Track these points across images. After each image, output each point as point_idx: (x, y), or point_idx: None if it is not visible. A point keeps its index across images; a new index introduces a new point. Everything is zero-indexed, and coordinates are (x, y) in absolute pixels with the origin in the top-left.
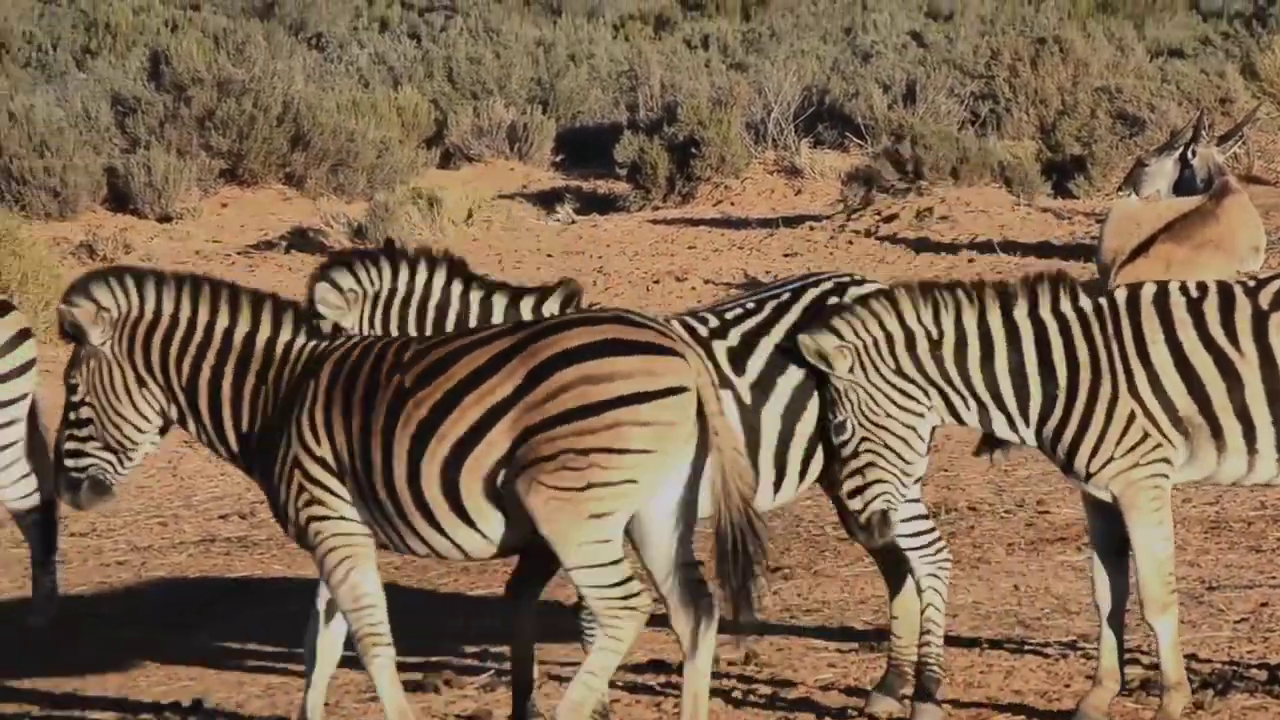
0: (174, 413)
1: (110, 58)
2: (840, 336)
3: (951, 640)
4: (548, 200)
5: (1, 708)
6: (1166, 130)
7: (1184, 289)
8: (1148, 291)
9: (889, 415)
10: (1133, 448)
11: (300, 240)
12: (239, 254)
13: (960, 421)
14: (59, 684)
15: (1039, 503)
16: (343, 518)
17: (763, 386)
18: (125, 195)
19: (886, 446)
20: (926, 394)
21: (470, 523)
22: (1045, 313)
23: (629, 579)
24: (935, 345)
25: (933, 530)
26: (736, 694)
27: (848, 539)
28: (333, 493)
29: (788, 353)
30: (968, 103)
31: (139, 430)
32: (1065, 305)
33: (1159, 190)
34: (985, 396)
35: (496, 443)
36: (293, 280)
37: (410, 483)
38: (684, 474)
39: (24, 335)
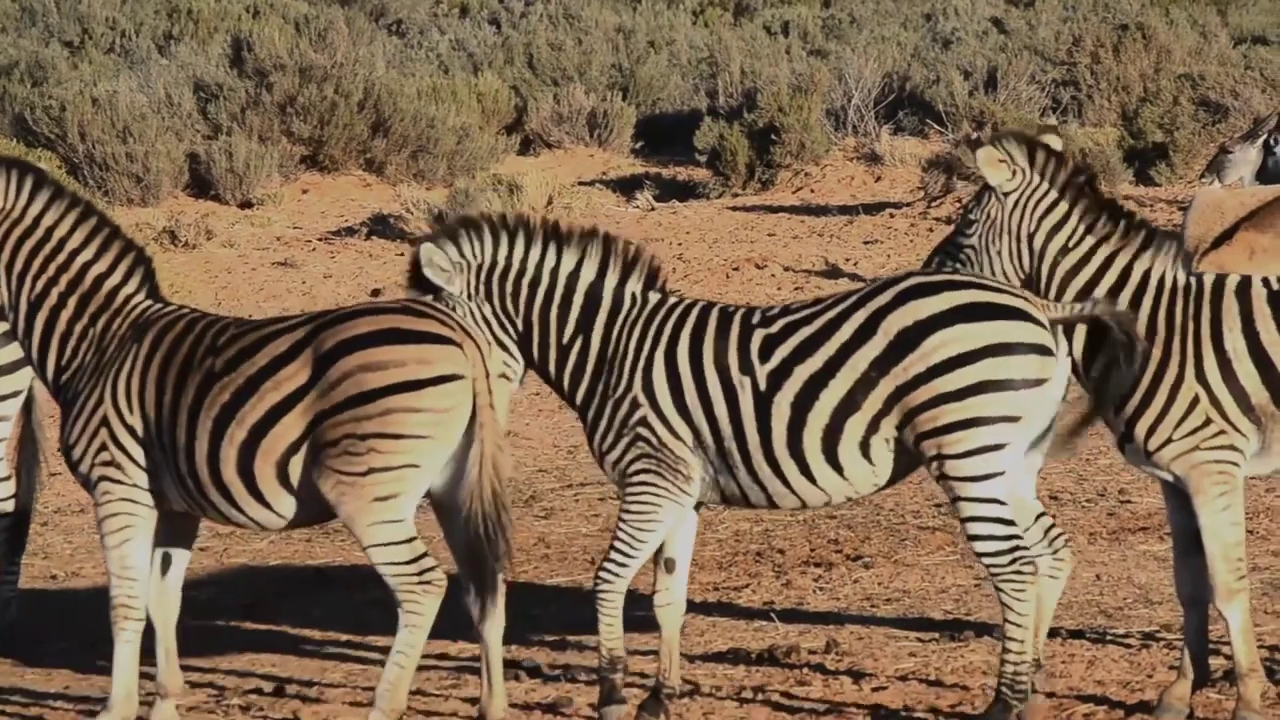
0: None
1: (192, 44)
2: None
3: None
4: (627, 187)
5: (87, 690)
6: (1250, 117)
7: (1266, 282)
8: (1232, 281)
9: None
10: (1194, 430)
11: (380, 227)
12: (320, 240)
13: None
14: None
15: (1121, 492)
16: (135, 485)
17: (780, 373)
18: (207, 181)
19: None
20: None
21: (265, 503)
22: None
23: (421, 555)
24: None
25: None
26: (816, 682)
27: (928, 528)
28: (134, 460)
29: (813, 341)
30: (1049, 89)
31: None
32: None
33: (1242, 178)
34: None
35: (290, 427)
36: (373, 266)
37: (209, 462)
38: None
39: None
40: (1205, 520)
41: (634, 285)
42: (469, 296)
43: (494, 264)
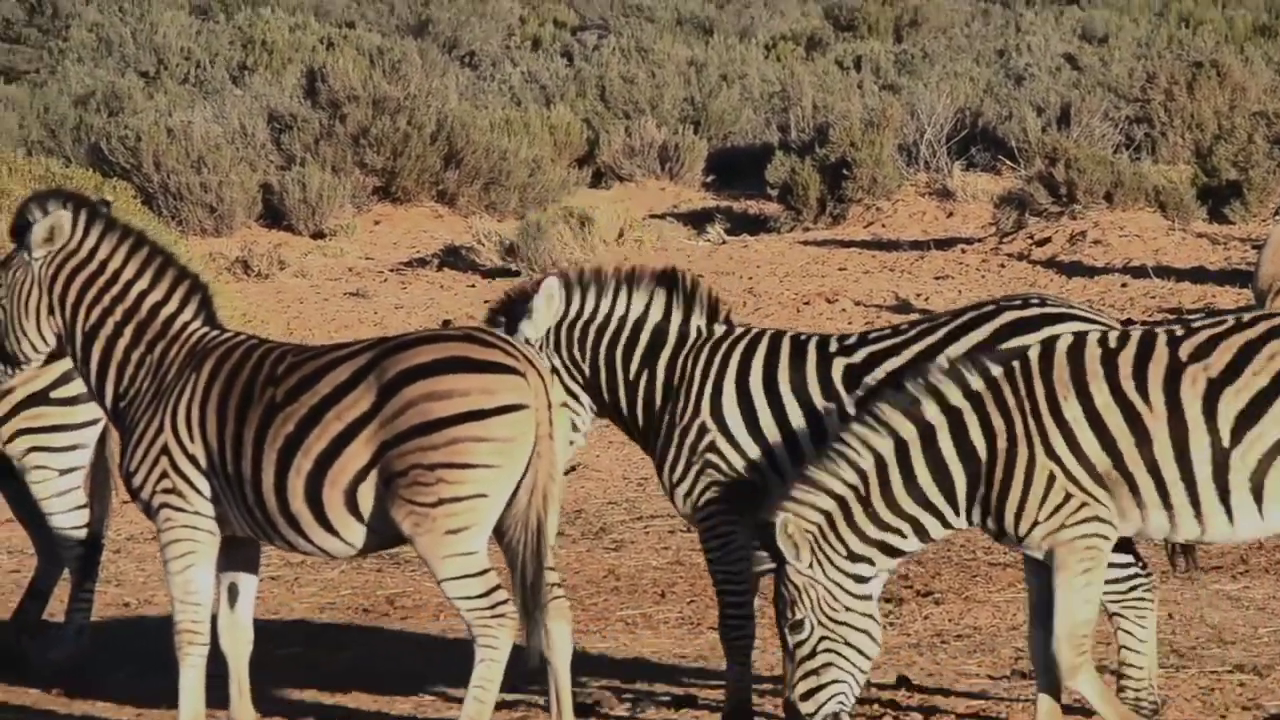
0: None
1: (266, 75)
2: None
3: (1106, 669)
4: (698, 220)
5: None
6: None
7: (1103, 340)
8: (1063, 344)
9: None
10: (1057, 508)
11: (452, 258)
12: (391, 271)
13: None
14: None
15: None
16: (197, 512)
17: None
18: (280, 212)
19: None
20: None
21: (334, 532)
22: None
23: (495, 589)
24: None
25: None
26: (887, 718)
27: (999, 564)
28: (195, 488)
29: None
30: (1122, 126)
31: None
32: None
33: None
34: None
35: (356, 456)
36: (445, 298)
37: (277, 494)
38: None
39: None
40: (1060, 596)
41: (698, 320)
42: (540, 347)
43: (564, 317)
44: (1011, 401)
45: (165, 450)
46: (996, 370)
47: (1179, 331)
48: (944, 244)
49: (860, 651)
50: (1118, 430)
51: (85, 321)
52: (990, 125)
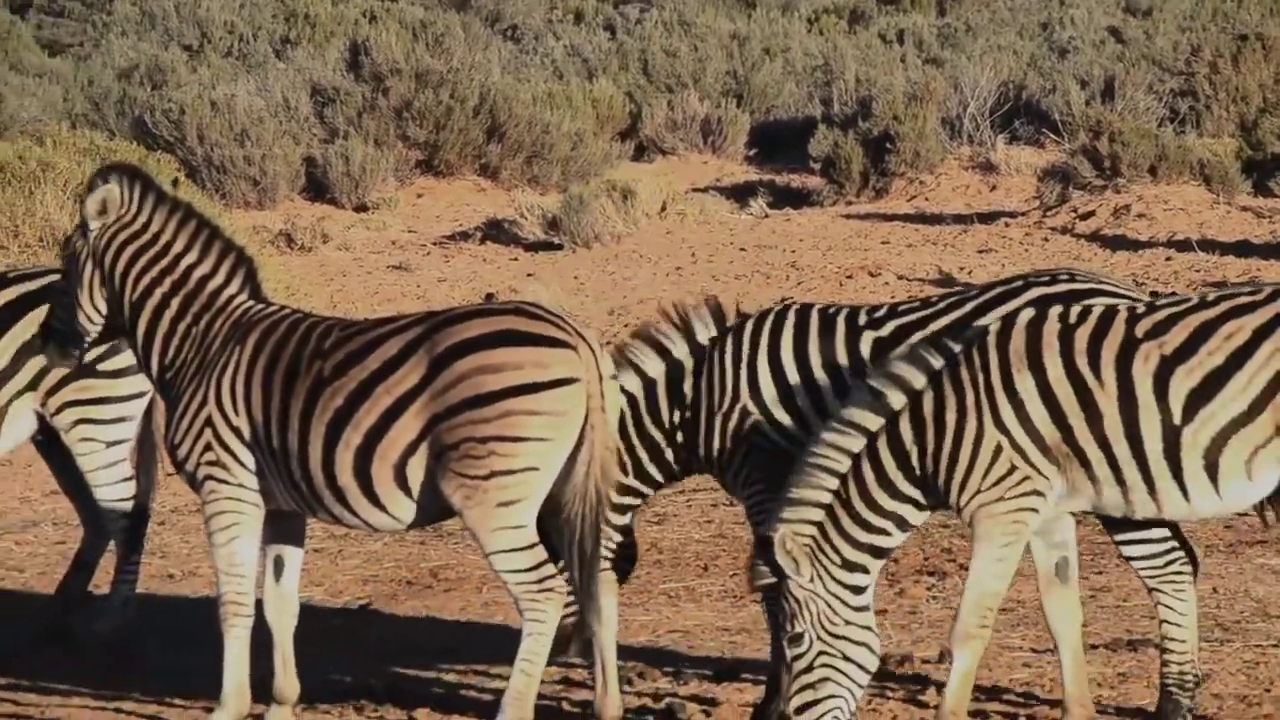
0: None
1: (309, 48)
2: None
3: (1150, 643)
4: (741, 194)
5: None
6: None
7: (1064, 315)
8: (1023, 319)
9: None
10: (999, 480)
11: (495, 231)
12: (434, 244)
13: None
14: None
15: None
16: (241, 484)
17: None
18: (323, 185)
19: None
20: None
21: (381, 506)
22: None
23: (542, 562)
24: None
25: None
26: (930, 692)
27: None
28: (239, 460)
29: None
30: (1167, 99)
31: None
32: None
33: None
34: None
35: (405, 430)
36: (487, 271)
37: (324, 468)
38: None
39: None
40: (976, 565)
41: (703, 335)
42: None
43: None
44: (965, 375)
45: (209, 422)
46: (956, 347)
47: (1139, 309)
48: (987, 218)
49: (858, 665)
50: (1068, 404)
51: (133, 292)
52: (1034, 98)
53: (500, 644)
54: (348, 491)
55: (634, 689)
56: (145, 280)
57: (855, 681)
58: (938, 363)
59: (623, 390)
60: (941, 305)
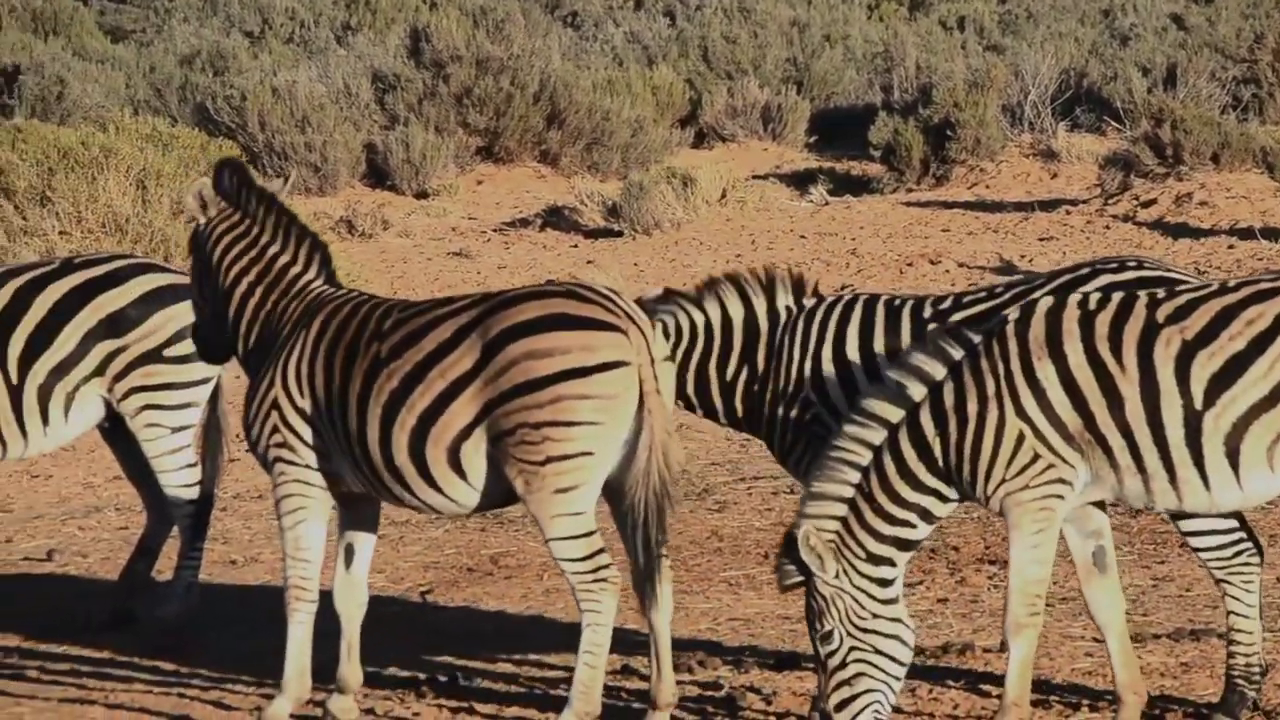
0: None
1: (370, 34)
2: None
3: (1215, 633)
4: (801, 181)
5: (264, 672)
6: None
7: (1083, 303)
8: (1043, 305)
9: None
10: (1023, 469)
11: (554, 218)
12: (494, 231)
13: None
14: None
15: None
16: (308, 466)
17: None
18: (383, 171)
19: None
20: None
21: (438, 488)
22: None
23: (598, 552)
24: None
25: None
26: (991, 681)
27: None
28: (305, 442)
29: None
30: (1229, 87)
31: None
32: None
33: None
34: None
35: (459, 414)
36: (547, 258)
37: (382, 448)
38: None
39: None
40: (1014, 554)
41: (785, 300)
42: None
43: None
44: (985, 364)
45: (276, 404)
46: (976, 337)
47: (1161, 294)
48: (1048, 205)
49: (892, 658)
50: (1089, 391)
51: (225, 279)
52: (1095, 86)
53: (560, 632)
54: (405, 472)
55: (694, 677)
56: (236, 267)
57: (890, 674)
58: (957, 353)
59: (700, 323)
60: (1007, 295)
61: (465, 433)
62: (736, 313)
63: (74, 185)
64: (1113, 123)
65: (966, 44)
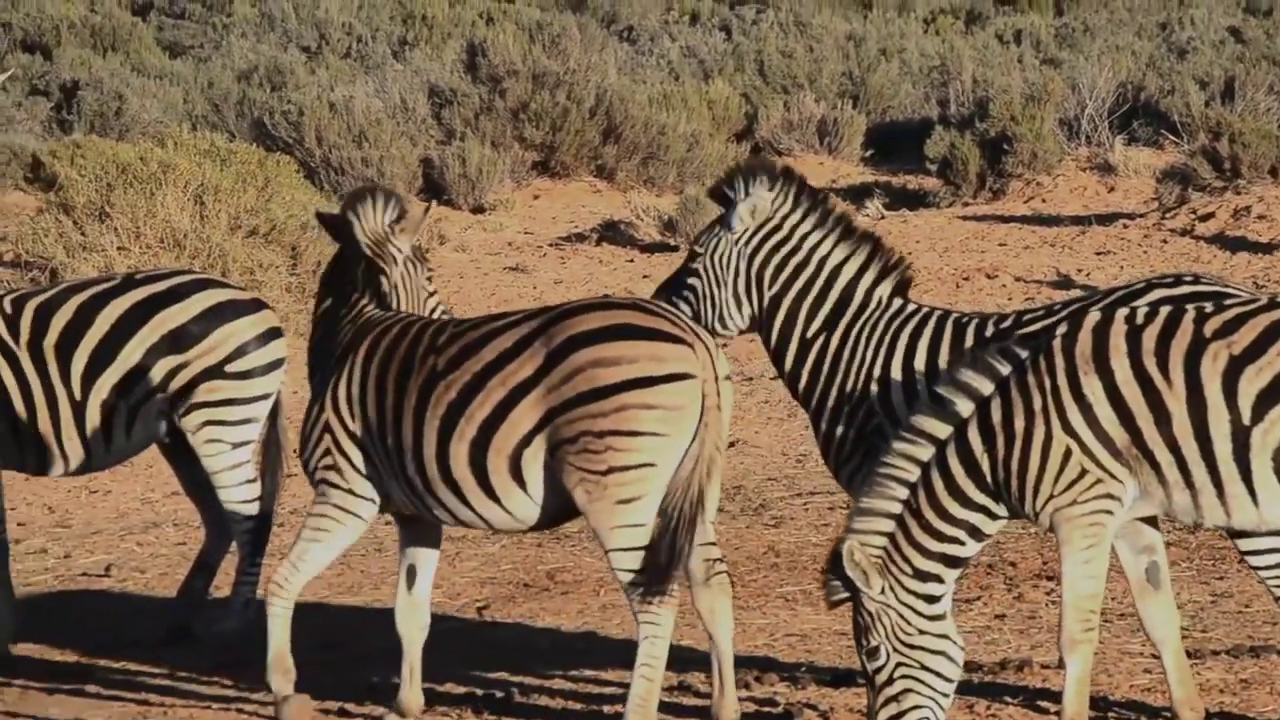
0: None
1: (427, 49)
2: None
3: (1274, 649)
4: (857, 195)
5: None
6: None
7: (1130, 317)
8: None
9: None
10: (1071, 484)
11: (611, 233)
12: (550, 246)
13: None
14: (360, 676)
15: None
16: (350, 491)
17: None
18: (440, 186)
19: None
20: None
21: (497, 499)
22: None
23: None
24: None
25: None
26: (1048, 698)
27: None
28: (353, 465)
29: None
30: None
31: None
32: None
33: None
34: None
35: (520, 423)
36: (603, 272)
37: (439, 460)
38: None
39: (273, 334)
40: (1066, 570)
41: (884, 289)
42: (734, 242)
43: (774, 226)
44: (1032, 380)
45: (328, 427)
46: (1024, 353)
47: (1208, 308)
48: (1105, 219)
49: (939, 674)
50: (1136, 406)
51: (321, 304)
52: (1152, 99)
53: (617, 649)
54: (464, 485)
55: (750, 693)
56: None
57: (938, 690)
58: (1005, 369)
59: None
60: (1066, 314)
61: (526, 440)
62: (850, 269)
63: (132, 201)
64: (1170, 136)
65: (1023, 57)
